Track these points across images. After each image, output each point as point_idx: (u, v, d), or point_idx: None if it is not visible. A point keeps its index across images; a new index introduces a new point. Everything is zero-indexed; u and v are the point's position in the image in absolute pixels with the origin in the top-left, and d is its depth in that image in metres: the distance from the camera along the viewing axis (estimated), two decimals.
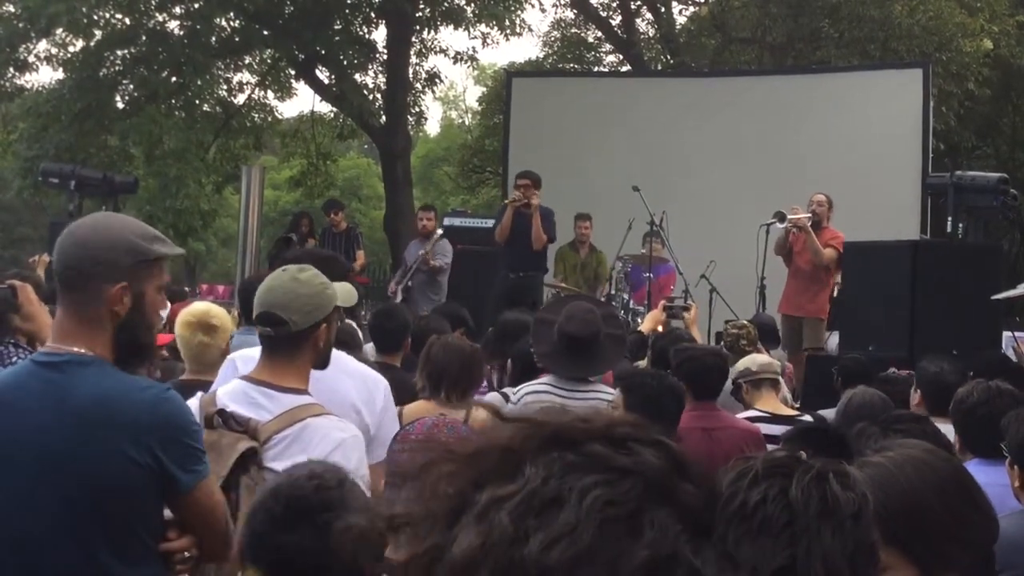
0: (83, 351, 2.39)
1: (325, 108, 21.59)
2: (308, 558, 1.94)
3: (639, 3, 23.31)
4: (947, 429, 3.83)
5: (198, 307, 4.20)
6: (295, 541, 1.95)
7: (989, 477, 3.00)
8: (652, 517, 0.89)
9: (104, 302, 2.42)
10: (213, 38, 18.04)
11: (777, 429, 4.86)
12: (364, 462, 2.99)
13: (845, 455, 3.95)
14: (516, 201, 10.18)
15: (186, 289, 16.90)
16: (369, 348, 6.10)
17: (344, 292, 3.26)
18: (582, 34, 24.69)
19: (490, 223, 12.12)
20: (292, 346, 3.01)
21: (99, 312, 2.43)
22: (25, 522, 2.32)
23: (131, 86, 18.07)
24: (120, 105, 18.27)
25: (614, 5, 23.20)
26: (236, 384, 3.01)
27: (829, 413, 5.27)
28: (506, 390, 5.26)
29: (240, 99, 20.69)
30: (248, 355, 3.40)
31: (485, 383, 5.84)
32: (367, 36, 19.89)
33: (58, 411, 2.33)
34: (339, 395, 3.28)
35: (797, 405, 6.95)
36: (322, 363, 3.11)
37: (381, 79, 20.17)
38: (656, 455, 0.92)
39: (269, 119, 21.33)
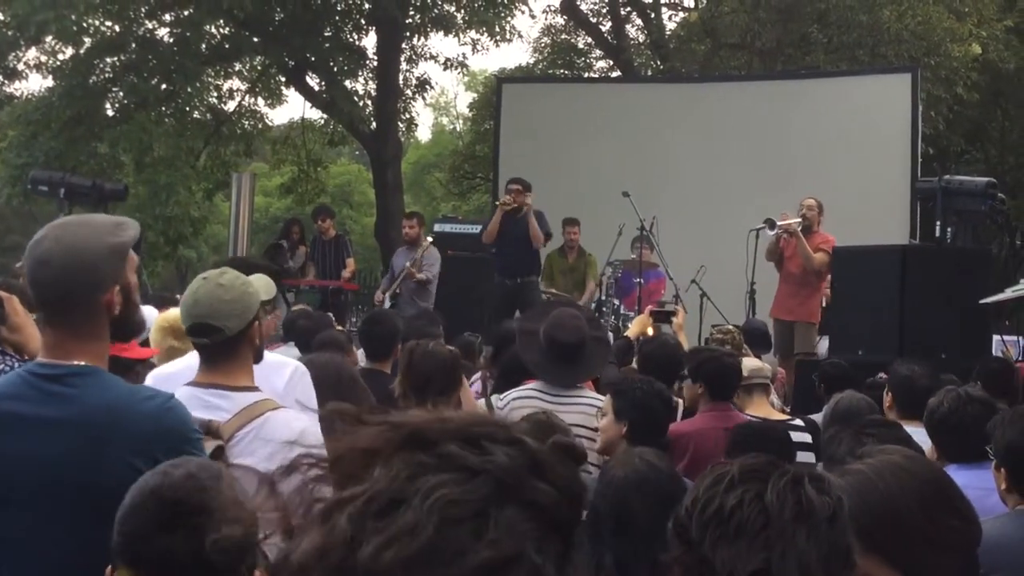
0: (82, 363, 2.38)
1: (315, 115, 21.63)
2: (188, 558, 1.96)
3: (629, 9, 23.37)
4: (916, 432, 3.85)
5: (173, 313, 4.19)
6: (174, 542, 1.96)
7: (968, 480, 3.02)
8: (498, 516, 0.86)
9: (102, 312, 2.44)
10: (203, 45, 18.03)
11: None
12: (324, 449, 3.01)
13: (788, 455, 4.00)
14: (506, 204, 10.24)
15: (177, 296, 16.83)
16: (360, 354, 6.09)
17: (263, 285, 3.29)
18: (572, 40, 24.74)
19: (480, 229, 12.13)
20: (231, 350, 3.05)
21: (98, 322, 2.44)
22: (29, 533, 2.30)
23: (121, 93, 18.05)
24: (110, 112, 18.24)
25: (604, 11, 23.26)
26: (185, 391, 3.02)
27: (816, 418, 5.29)
28: (492, 397, 5.28)
29: (230, 106, 20.72)
30: (161, 373, 3.42)
31: (480, 387, 5.86)
32: (357, 43, 19.91)
33: (62, 422, 2.31)
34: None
35: (787, 409, 6.96)
36: (258, 357, 3.18)
37: (371, 86, 20.18)
38: (510, 454, 0.90)
39: (259, 126, 21.34)
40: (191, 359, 3.32)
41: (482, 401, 5.29)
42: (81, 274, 2.40)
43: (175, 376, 3.29)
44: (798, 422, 5.34)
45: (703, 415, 4.84)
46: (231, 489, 2.08)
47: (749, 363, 5.62)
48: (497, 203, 10.56)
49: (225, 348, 3.04)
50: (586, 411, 4.75)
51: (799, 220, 9.61)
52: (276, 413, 3.03)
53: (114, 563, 2.03)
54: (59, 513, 2.30)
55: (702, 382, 4.92)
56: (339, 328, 7.81)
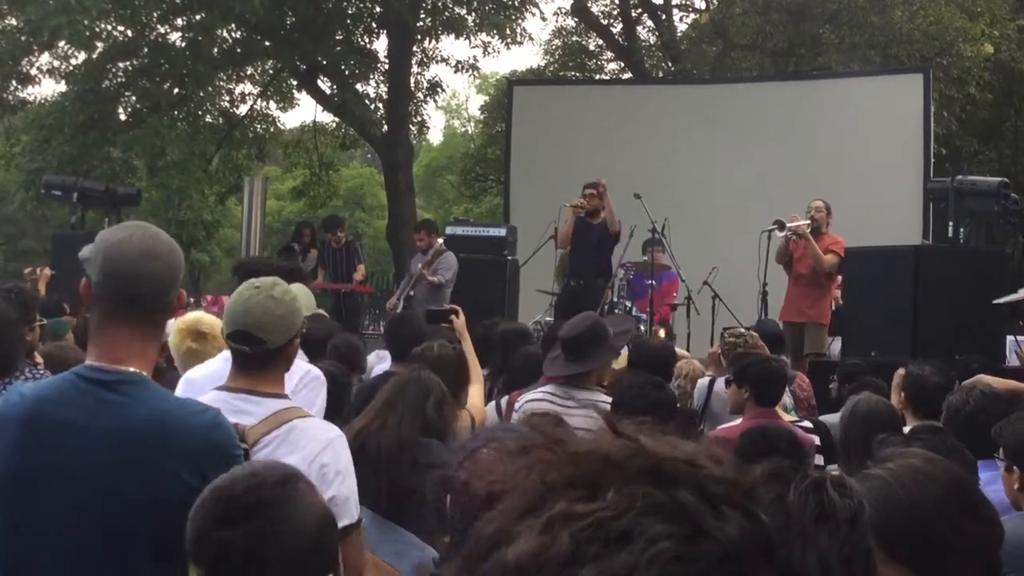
0: (134, 370, 2.37)
1: (327, 118, 21.68)
2: (240, 556, 1.98)
3: (640, 11, 23.35)
4: None
5: (191, 316, 4.24)
6: (229, 538, 1.98)
7: (993, 479, 3.00)
8: None
9: (174, 309, 2.51)
10: (215, 49, 18.09)
11: None
12: (351, 460, 3.03)
13: (800, 460, 3.96)
14: (577, 207, 10.18)
15: (190, 300, 16.89)
16: (380, 355, 6.09)
17: (304, 300, 3.29)
18: (583, 42, 24.73)
19: (492, 231, 12.11)
20: (269, 360, 3.05)
21: (164, 323, 2.51)
22: (78, 542, 2.29)
23: (133, 98, 18.14)
24: (123, 117, 18.33)
25: (615, 13, 23.25)
26: (214, 395, 3.03)
27: (832, 418, 5.26)
28: (502, 400, 5.29)
29: (242, 110, 20.78)
30: (191, 377, 3.42)
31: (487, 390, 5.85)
32: (368, 46, 19.95)
33: (116, 431, 2.30)
34: None
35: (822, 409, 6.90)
36: (287, 366, 3.18)
37: (383, 89, 20.21)
38: (744, 527, 0.87)
39: (271, 130, 21.39)
40: (215, 365, 3.31)
41: (491, 404, 5.30)
42: (176, 272, 2.47)
43: (200, 383, 3.29)
44: (807, 424, 5.31)
45: (748, 420, 4.81)
46: (304, 494, 2.09)
47: None
48: (567, 205, 10.38)
49: (262, 359, 3.03)
50: (595, 414, 4.73)
51: (808, 222, 9.58)
52: (303, 422, 3.01)
53: (189, 561, 2.05)
54: (108, 522, 2.29)
55: (748, 387, 4.89)
56: (351, 337, 7.79)
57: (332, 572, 2.11)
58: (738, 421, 4.98)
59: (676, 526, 0.85)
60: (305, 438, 2.94)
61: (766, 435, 3.99)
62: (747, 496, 0.91)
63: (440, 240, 11.15)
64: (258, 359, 3.03)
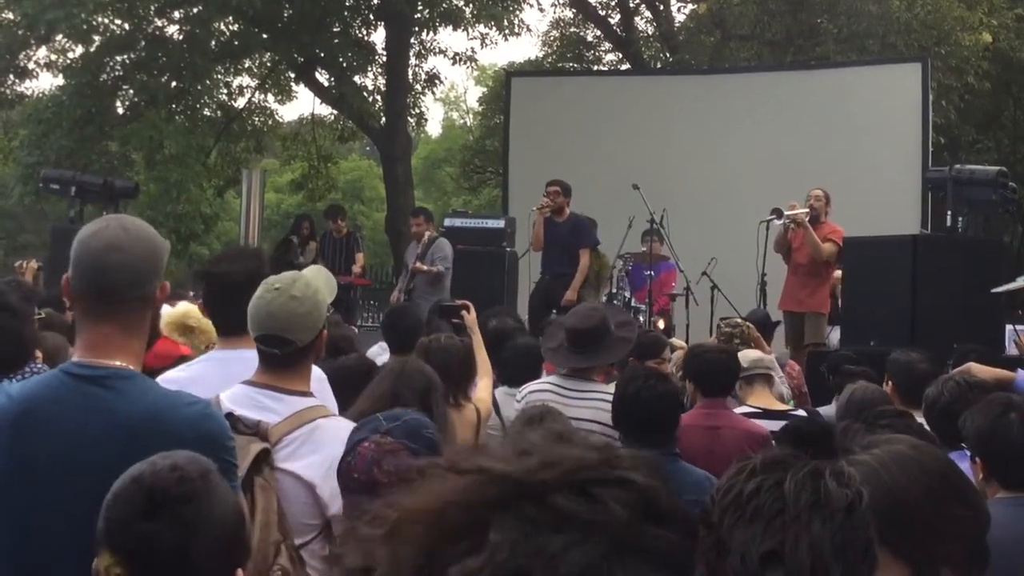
0: (121, 364, 2.37)
1: (325, 111, 21.67)
2: (167, 547, 1.96)
3: (638, 1, 23.33)
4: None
5: (178, 309, 4.20)
6: (155, 530, 1.96)
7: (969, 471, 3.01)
8: (618, 573, 0.84)
9: (151, 305, 2.47)
10: (212, 42, 18.06)
11: (770, 424, 4.88)
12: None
13: (834, 452, 3.97)
14: (543, 208, 10.19)
15: (191, 294, 16.88)
16: (384, 347, 6.10)
17: (325, 285, 3.27)
18: (581, 33, 24.72)
19: (491, 223, 12.11)
20: (299, 358, 3.04)
21: (146, 316, 2.46)
22: (76, 539, 2.26)
23: (131, 91, 18.11)
24: (120, 110, 18.31)
25: (613, 4, 23.23)
26: (240, 389, 3.02)
27: (828, 410, 5.28)
28: (500, 391, 5.30)
29: (240, 103, 20.77)
30: (171, 377, 3.39)
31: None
32: (366, 38, 19.94)
33: (108, 427, 2.30)
34: None
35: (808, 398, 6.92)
36: (316, 359, 3.17)
37: (381, 81, 20.20)
38: (620, 500, 0.87)
39: (269, 122, 21.38)
40: (203, 367, 3.27)
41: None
42: (149, 262, 2.42)
43: (182, 383, 3.28)
44: (800, 413, 5.33)
45: (692, 412, 4.84)
46: (221, 485, 2.09)
47: (750, 354, 5.63)
48: (533, 208, 10.39)
49: (291, 358, 3.02)
50: (599, 406, 4.75)
51: (806, 211, 9.58)
52: (327, 421, 3.00)
53: (98, 549, 2.04)
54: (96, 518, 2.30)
55: (691, 380, 4.95)
56: (350, 328, 7.79)
57: (244, 561, 2.12)
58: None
59: (563, 535, 0.84)
60: (328, 437, 2.93)
61: (802, 429, 3.98)
62: (609, 465, 0.90)
63: (428, 233, 11.07)
64: (287, 359, 3.01)
